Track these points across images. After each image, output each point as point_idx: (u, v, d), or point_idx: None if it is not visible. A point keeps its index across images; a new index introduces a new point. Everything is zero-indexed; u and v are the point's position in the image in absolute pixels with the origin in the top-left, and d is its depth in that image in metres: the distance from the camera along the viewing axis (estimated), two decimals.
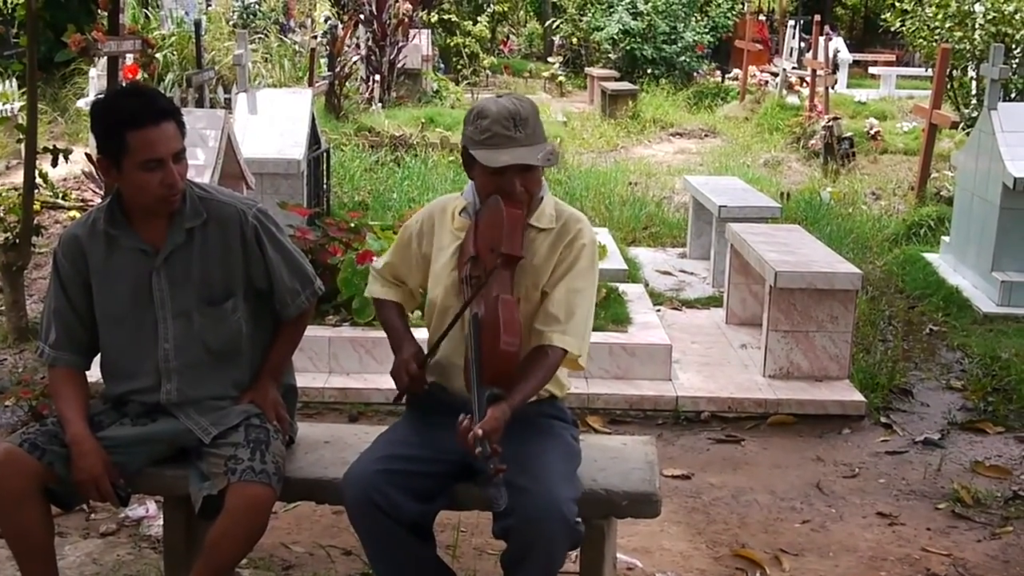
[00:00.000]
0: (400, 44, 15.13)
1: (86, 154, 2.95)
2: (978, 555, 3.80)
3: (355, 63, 14.37)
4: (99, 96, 2.98)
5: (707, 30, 18.58)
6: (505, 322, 2.59)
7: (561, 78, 18.74)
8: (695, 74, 18.32)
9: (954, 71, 10.95)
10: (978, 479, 4.43)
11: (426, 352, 2.84)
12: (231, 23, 13.69)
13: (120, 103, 2.81)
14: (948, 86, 10.75)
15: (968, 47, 10.77)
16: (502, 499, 2.46)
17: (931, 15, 11.12)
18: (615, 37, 17.98)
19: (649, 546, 3.78)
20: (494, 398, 2.57)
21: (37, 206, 6.73)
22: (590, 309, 2.83)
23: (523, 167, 2.74)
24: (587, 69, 18.66)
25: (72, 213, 8.58)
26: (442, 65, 18.70)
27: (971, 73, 11.12)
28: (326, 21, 15.30)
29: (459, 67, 18.91)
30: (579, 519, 2.66)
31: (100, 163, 2.83)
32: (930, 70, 11.72)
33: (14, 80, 10.97)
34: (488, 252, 2.70)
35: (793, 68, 16.17)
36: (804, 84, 14.93)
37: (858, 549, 3.83)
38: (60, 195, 9.00)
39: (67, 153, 5.79)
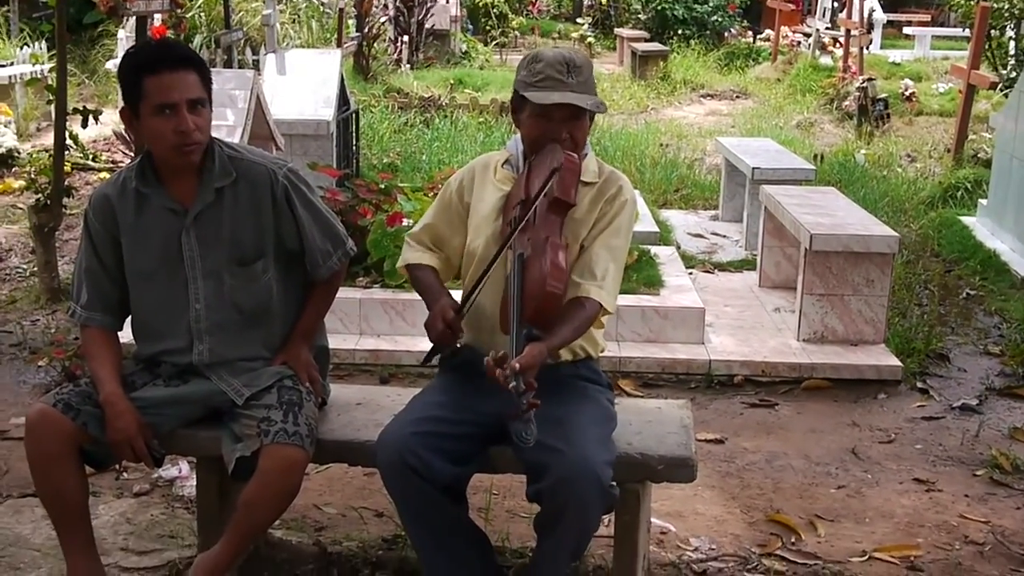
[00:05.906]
0: (428, 5, 15.03)
1: (120, 110, 2.94)
2: (1017, 522, 3.75)
3: (383, 24, 14.28)
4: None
5: None
6: (552, 264, 2.58)
7: (590, 39, 18.54)
8: (726, 34, 18.09)
9: (992, 31, 10.73)
10: (1017, 445, 4.37)
11: (461, 303, 2.78)
12: None
13: (142, 50, 2.89)
14: (986, 46, 10.54)
15: (1007, 6, 10.56)
16: (530, 436, 2.42)
17: None
18: None
19: (683, 510, 3.75)
20: (532, 338, 2.53)
21: (68, 167, 6.73)
22: (622, 266, 2.85)
23: (571, 114, 2.74)
24: (616, 30, 18.48)
25: (102, 174, 8.59)
26: (470, 26, 18.58)
27: (1009, 33, 10.90)
28: None
29: (488, 28, 18.78)
30: (614, 483, 2.63)
31: (123, 113, 2.83)
32: (967, 30, 11.49)
33: (44, 42, 10.99)
34: (540, 195, 2.67)
35: (826, 28, 15.92)
36: (837, 45, 14.71)
37: (895, 515, 3.78)
38: (90, 156, 9.03)
39: (97, 114, 5.78)
